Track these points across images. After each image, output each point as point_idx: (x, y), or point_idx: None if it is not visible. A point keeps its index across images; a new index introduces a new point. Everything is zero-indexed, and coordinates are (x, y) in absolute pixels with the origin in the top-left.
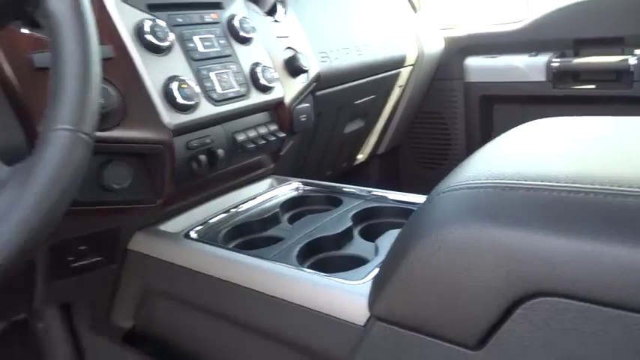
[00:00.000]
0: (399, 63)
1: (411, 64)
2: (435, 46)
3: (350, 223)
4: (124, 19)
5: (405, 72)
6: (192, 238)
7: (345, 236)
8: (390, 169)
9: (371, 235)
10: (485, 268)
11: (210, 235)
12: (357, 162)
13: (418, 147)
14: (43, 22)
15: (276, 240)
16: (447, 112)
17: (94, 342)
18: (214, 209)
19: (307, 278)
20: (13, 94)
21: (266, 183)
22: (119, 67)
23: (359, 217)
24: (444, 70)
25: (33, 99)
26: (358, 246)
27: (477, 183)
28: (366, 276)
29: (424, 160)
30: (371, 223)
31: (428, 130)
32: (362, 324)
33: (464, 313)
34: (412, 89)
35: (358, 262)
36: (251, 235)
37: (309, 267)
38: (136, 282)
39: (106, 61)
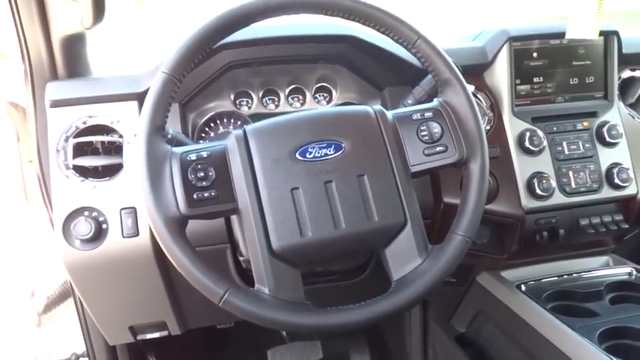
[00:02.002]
0: None
1: None
2: None
3: None
4: (512, 129)
5: None
6: (521, 290)
7: None
8: None
9: None
10: None
11: (535, 292)
12: None
13: None
14: (464, 171)
15: (590, 314)
16: None
17: (436, 332)
18: (547, 271)
19: (597, 355)
20: (436, 179)
21: (602, 260)
22: (500, 163)
23: None
24: None
25: (443, 184)
26: None
27: None
28: None
29: None
30: None
31: None
32: None
33: None
34: None
35: None
36: (570, 301)
37: (607, 347)
38: (474, 304)
39: (492, 159)
